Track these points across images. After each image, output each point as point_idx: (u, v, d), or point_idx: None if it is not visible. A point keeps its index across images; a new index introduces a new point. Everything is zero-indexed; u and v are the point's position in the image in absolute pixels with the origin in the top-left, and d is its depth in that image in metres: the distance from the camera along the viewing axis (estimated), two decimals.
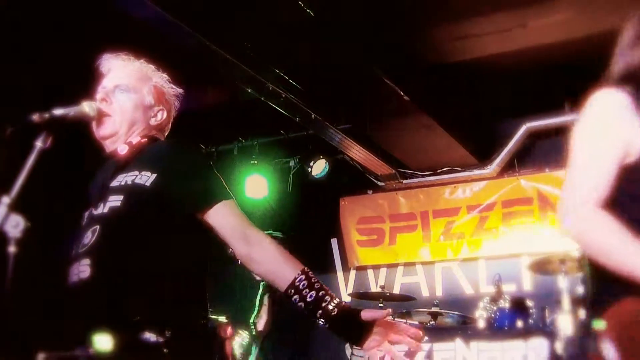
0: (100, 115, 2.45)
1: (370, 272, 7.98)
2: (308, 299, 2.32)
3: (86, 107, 2.34)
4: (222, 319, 4.99)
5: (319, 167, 7.51)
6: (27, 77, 5.45)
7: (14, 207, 2.04)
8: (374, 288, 7.61)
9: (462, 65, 6.31)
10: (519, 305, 5.53)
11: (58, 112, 2.21)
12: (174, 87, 2.71)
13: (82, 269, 2.31)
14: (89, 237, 2.35)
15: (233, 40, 5.16)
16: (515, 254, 7.20)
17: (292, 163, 8.00)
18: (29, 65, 5.41)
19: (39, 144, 2.14)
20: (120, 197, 2.35)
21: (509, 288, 6.59)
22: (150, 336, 2.22)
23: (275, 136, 7.71)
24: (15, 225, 2.03)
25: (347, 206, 8.18)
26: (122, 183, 2.38)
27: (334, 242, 8.21)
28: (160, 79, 2.68)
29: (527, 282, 7.06)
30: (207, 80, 6.50)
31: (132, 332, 2.22)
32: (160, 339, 2.21)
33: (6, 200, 2.03)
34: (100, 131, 2.49)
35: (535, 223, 7.17)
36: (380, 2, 5.20)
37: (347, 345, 5.75)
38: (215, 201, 2.42)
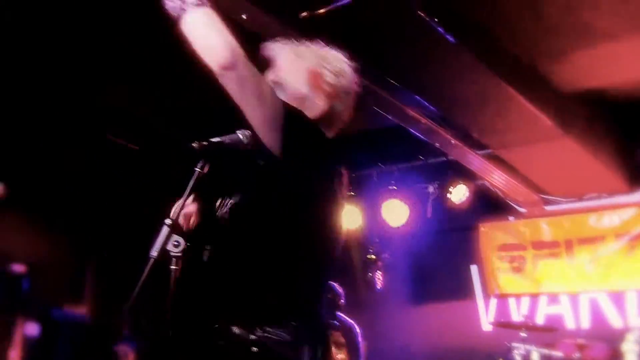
0: None
1: (512, 300, 7.81)
2: None
3: (240, 135, 2.48)
4: None
5: (458, 193, 7.45)
6: (186, 107, 5.80)
7: (175, 228, 2.21)
8: (516, 317, 7.44)
9: (609, 89, 6.11)
10: None
11: (215, 140, 2.36)
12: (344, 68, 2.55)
13: None
14: None
15: (373, 67, 5.26)
16: None
17: (431, 189, 7.98)
18: (190, 96, 5.74)
19: (197, 169, 2.30)
20: None
21: None
22: None
23: (414, 162, 7.74)
24: (177, 245, 2.19)
25: (487, 233, 8.06)
26: None
27: (474, 268, 8.10)
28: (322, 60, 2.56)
29: None
30: None
31: None
32: None
33: (168, 221, 2.20)
34: None
35: None
36: (516, 25, 5.15)
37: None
38: None
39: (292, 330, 2.28)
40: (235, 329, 2.28)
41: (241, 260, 2.36)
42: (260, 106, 2.25)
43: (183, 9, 2.19)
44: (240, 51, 2.19)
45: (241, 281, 2.35)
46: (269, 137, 2.27)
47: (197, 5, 2.19)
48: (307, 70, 2.53)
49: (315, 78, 2.53)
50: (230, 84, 2.21)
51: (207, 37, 2.19)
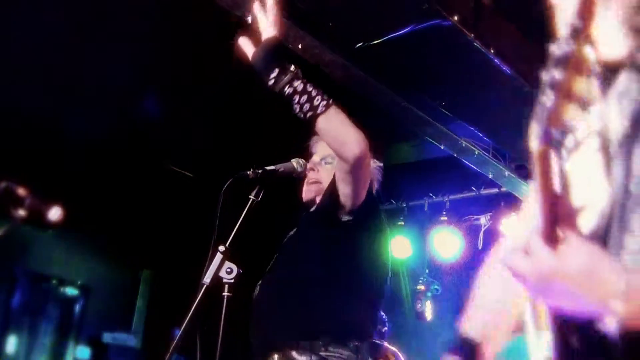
0: (309, 181, 2.65)
1: None
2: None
3: (295, 164, 2.50)
4: None
5: (511, 225, 7.33)
6: (242, 136, 5.85)
7: (229, 254, 2.22)
8: None
9: None
10: None
11: (270, 168, 2.39)
12: (376, 161, 2.83)
13: None
14: None
15: (426, 98, 5.25)
16: None
17: (483, 220, 7.87)
18: (244, 125, 5.80)
19: (252, 196, 2.32)
20: None
21: None
22: None
23: (466, 192, 7.65)
24: (230, 272, 2.20)
25: None
26: None
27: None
28: None
29: None
30: (400, 137, 6.63)
31: None
32: None
33: (222, 248, 2.21)
34: (306, 195, 2.69)
35: None
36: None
37: None
38: None
39: (355, 349, 2.43)
40: (294, 354, 2.38)
41: (304, 287, 2.53)
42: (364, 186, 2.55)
43: (316, 111, 2.26)
44: (367, 142, 2.38)
45: (304, 307, 2.49)
46: (354, 200, 2.53)
47: (328, 105, 2.29)
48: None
49: None
50: (356, 170, 2.41)
51: (343, 133, 2.32)
